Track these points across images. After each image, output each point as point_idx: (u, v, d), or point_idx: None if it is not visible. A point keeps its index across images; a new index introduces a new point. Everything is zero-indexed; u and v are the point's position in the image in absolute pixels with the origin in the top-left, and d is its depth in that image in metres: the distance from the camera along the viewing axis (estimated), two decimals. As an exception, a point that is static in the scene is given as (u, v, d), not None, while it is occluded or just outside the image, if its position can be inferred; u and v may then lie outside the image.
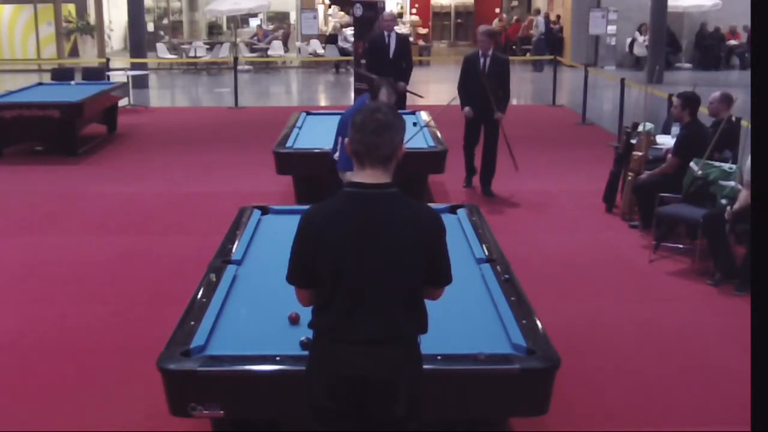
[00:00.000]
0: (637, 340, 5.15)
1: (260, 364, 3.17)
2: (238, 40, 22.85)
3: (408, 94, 10.54)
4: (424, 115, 9.11)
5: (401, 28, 20.21)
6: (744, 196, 5.97)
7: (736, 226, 6.00)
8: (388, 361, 2.63)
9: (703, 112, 7.18)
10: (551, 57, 16.95)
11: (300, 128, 8.34)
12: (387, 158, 2.66)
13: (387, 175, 2.67)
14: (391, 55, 10.15)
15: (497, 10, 28.80)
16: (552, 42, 22.44)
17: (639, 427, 4.13)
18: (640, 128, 7.76)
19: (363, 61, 13.00)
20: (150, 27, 22.30)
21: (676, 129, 7.79)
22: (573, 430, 4.05)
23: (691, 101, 6.98)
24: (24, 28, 21.91)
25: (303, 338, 3.25)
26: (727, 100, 6.99)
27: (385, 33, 10.28)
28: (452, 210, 5.21)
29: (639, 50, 21.39)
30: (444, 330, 3.28)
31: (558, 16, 24.03)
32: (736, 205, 5.94)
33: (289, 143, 7.66)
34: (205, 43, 22.82)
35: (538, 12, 23.26)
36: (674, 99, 7.27)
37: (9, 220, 7.86)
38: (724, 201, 6.17)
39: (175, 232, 7.44)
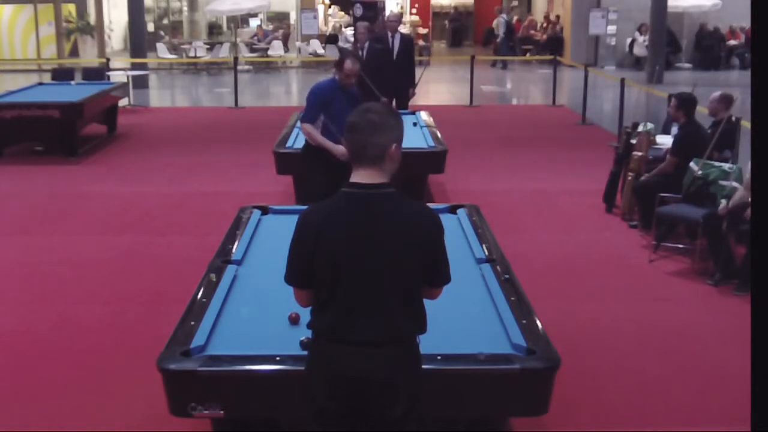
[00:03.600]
0: (637, 340, 5.15)
1: (260, 364, 3.17)
2: (238, 40, 22.86)
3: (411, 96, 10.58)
4: (424, 115, 9.11)
5: (402, 29, 20.22)
6: (739, 195, 5.97)
7: (733, 225, 5.99)
8: (387, 362, 2.63)
9: (703, 112, 7.19)
10: (551, 57, 16.96)
11: (300, 128, 8.33)
12: (378, 157, 2.65)
13: (383, 175, 2.67)
14: (394, 56, 10.14)
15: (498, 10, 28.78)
16: (513, 41, 23.18)
17: (639, 427, 4.14)
18: (640, 128, 7.76)
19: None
20: (150, 27, 22.30)
21: (675, 129, 7.79)
22: (573, 430, 4.06)
23: (686, 102, 6.99)
24: (24, 28, 21.91)
25: (303, 338, 3.25)
26: (725, 101, 6.99)
27: (389, 34, 10.28)
28: (452, 210, 5.21)
29: (639, 50, 21.38)
30: (444, 330, 3.28)
31: (558, 17, 24.03)
32: (730, 203, 5.95)
33: (289, 143, 7.66)
34: (205, 43, 22.83)
35: (500, 11, 23.51)
36: (673, 99, 7.28)
37: (9, 220, 7.86)
38: (724, 201, 6.17)
39: (175, 232, 7.44)
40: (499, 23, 23.07)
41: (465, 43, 29.99)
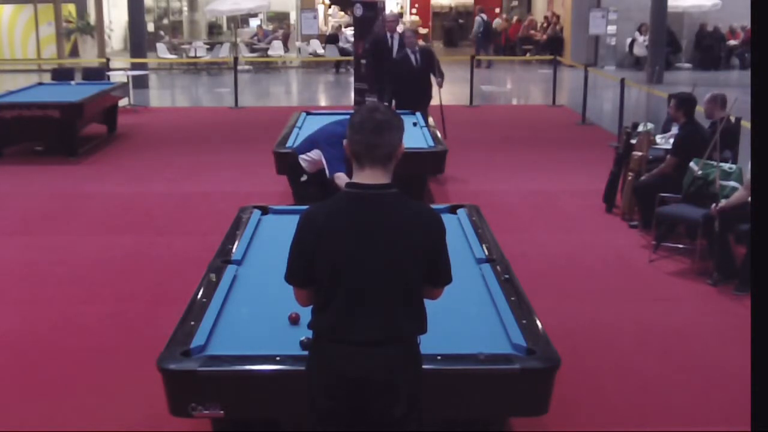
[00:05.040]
0: (637, 340, 5.15)
1: (260, 364, 3.16)
2: (238, 40, 22.87)
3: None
4: (424, 115, 9.11)
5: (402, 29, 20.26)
6: (737, 195, 5.98)
7: (726, 224, 5.98)
8: (387, 362, 2.63)
9: (701, 111, 7.18)
10: (551, 57, 16.96)
11: (300, 128, 8.34)
12: (387, 157, 2.65)
13: (386, 175, 2.67)
14: (394, 56, 10.13)
15: (497, 10, 28.83)
16: (490, 39, 23.54)
17: (639, 427, 4.14)
18: (640, 128, 7.76)
19: (363, 61, 13.01)
20: (150, 27, 22.31)
21: (673, 129, 7.80)
22: (573, 430, 4.06)
23: (685, 102, 6.99)
24: (24, 28, 21.91)
25: (303, 338, 3.25)
26: (718, 101, 6.99)
27: (388, 34, 10.26)
28: (452, 210, 5.21)
29: (639, 50, 21.39)
30: (444, 330, 3.28)
31: (558, 17, 24.03)
32: (723, 203, 5.96)
33: (289, 143, 7.65)
34: (205, 43, 22.84)
35: (481, 11, 23.69)
36: (673, 100, 7.28)
37: (9, 220, 7.86)
38: (723, 201, 6.17)
39: (175, 232, 7.44)
40: (476, 23, 23.26)
41: (464, 44, 30.02)
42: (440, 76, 9.97)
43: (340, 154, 5.79)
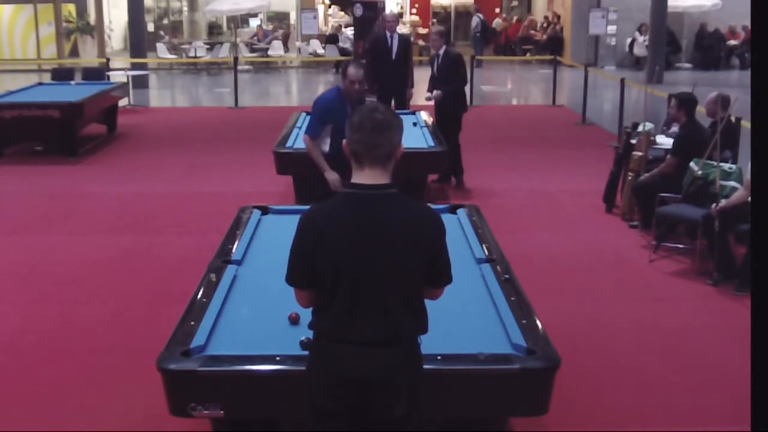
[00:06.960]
0: (637, 340, 5.15)
1: (260, 364, 3.16)
2: (238, 40, 22.87)
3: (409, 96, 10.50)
4: (424, 115, 9.11)
5: (401, 29, 20.28)
6: (737, 195, 5.98)
7: (726, 224, 5.98)
8: (388, 362, 2.63)
9: (701, 111, 7.19)
10: (551, 57, 16.96)
11: (300, 128, 8.33)
12: (386, 157, 2.65)
13: (386, 175, 2.67)
14: (393, 56, 10.14)
15: (497, 10, 28.84)
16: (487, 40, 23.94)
17: (639, 427, 4.14)
18: (640, 128, 7.77)
19: (363, 61, 13.00)
20: (150, 27, 22.32)
21: (673, 128, 7.80)
22: (573, 430, 4.06)
23: (686, 102, 6.99)
24: (24, 28, 21.92)
25: (303, 338, 3.25)
26: (722, 101, 6.99)
27: (388, 34, 10.28)
28: (452, 210, 5.21)
29: (639, 50, 21.39)
30: (444, 330, 3.28)
31: (558, 16, 24.04)
32: (724, 203, 5.96)
33: (289, 143, 7.66)
34: (205, 43, 22.85)
35: (477, 10, 23.83)
36: (674, 100, 7.28)
37: (9, 220, 7.86)
38: (724, 201, 6.17)
39: (175, 232, 7.44)
40: (474, 22, 23.35)
41: (466, 44, 30.02)
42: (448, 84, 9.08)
43: (316, 114, 6.14)
